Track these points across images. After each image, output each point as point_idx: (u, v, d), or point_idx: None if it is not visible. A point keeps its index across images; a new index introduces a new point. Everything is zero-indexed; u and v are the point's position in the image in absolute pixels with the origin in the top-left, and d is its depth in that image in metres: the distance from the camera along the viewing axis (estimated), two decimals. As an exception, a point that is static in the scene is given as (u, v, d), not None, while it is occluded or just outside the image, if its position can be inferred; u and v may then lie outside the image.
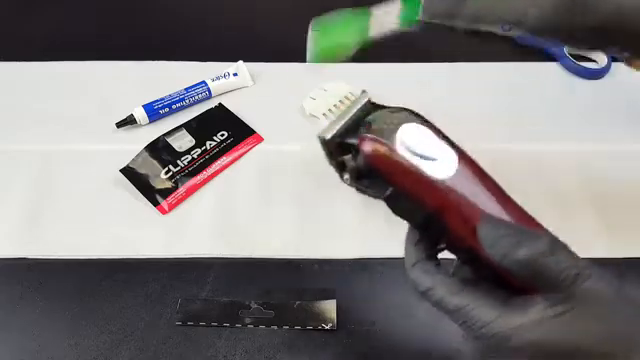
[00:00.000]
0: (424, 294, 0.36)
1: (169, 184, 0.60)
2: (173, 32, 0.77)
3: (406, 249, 0.39)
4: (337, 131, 0.39)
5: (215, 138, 0.64)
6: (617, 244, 0.56)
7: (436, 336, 0.51)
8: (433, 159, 0.36)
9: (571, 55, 0.72)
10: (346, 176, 0.39)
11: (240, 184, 0.61)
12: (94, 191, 0.60)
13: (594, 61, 0.73)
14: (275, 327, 0.51)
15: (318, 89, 0.68)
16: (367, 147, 0.37)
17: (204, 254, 0.56)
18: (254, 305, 0.52)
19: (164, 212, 0.59)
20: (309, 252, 0.56)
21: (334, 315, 0.52)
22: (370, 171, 0.38)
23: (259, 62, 0.72)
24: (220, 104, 0.67)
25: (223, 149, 0.63)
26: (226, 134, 0.65)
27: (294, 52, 0.73)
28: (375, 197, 0.39)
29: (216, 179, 0.62)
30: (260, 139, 0.65)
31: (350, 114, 0.39)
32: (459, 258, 0.39)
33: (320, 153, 0.65)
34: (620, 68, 0.72)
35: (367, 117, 0.39)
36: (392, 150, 0.36)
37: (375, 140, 0.37)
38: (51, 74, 0.71)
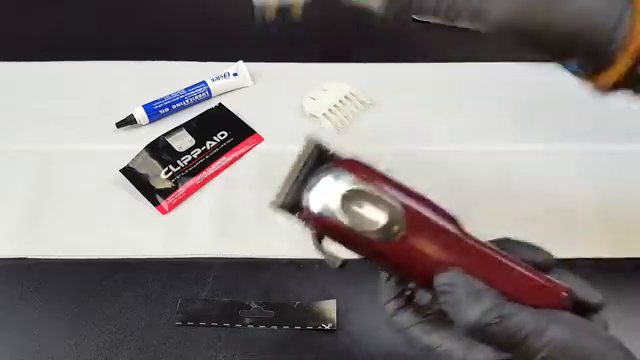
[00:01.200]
0: (399, 332, 0.38)
1: (169, 184, 0.60)
2: (173, 32, 0.77)
3: (379, 286, 0.39)
4: (286, 197, 0.38)
5: (215, 138, 0.64)
6: (617, 244, 0.56)
7: (436, 336, 0.51)
8: (378, 222, 0.36)
9: (571, 55, 0.72)
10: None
11: (240, 184, 0.61)
12: (94, 191, 0.60)
13: (594, 61, 0.73)
14: (275, 327, 0.51)
15: (318, 89, 0.68)
16: (312, 225, 0.37)
17: (204, 254, 0.56)
18: (254, 305, 0.52)
19: (164, 212, 0.59)
20: (309, 252, 0.56)
21: (334, 315, 0.52)
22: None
23: (259, 62, 0.72)
24: (220, 104, 0.67)
25: (223, 149, 0.63)
26: (226, 134, 0.65)
27: (294, 52, 0.73)
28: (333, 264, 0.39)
29: (216, 179, 0.62)
30: (260, 139, 0.65)
31: (297, 173, 0.38)
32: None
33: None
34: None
35: (309, 179, 0.38)
36: (336, 226, 0.36)
37: (317, 219, 0.36)
38: (51, 74, 0.71)
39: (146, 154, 0.62)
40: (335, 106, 0.66)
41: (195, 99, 0.67)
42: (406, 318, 0.38)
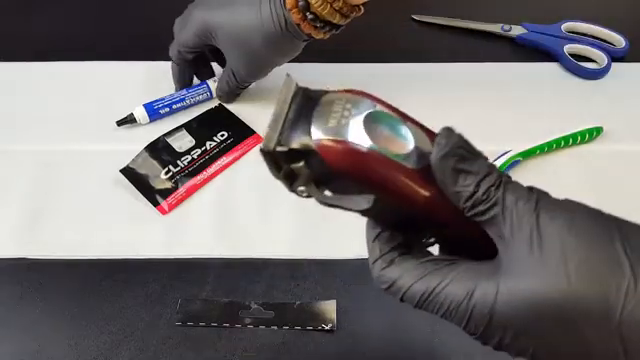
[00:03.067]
0: (390, 290, 0.33)
1: (169, 184, 0.60)
2: (173, 32, 0.77)
3: (368, 248, 0.35)
4: (281, 137, 0.31)
5: (215, 138, 0.64)
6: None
7: (436, 336, 0.51)
8: (408, 146, 0.31)
9: (571, 55, 0.72)
10: (301, 187, 0.33)
11: (240, 184, 0.61)
12: (94, 191, 0.60)
13: (594, 61, 0.73)
14: (275, 327, 0.51)
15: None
16: (333, 155, 0.30)
17: (204, 254, 0.56)
18: (254, 305, 0.52)
19: (164, 212, 0.59)
20: (309, 252, 0.56)
21: (334, 315, 0.52)
22: (336, 179, 0.31)
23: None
24: (220, 104, 0.67)
25: (223, 149, 0.63)
26: (226, 134, 0.65)
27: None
28: (348, 210, 0.32)
29: (216, 179, 0.62)
30: (260, 139, 0.65)
31: (286, 110, 0.32)
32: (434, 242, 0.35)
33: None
34: (620, 68, 0.72)
35: (313, 110, 0.31)
36: (363, 152, 0.30)
37: (339, 143, 0.30)
38: (51, 74, 0.71)
39: (146, 154, 0.62)
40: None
41: (196, 100, 0.67)
42: (398, 267, 0.33)
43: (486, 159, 0.32)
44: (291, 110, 0.32)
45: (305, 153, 0.31)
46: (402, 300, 0.32)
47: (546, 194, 0.32)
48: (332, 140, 0.30)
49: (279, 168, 0.33)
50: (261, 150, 0.32)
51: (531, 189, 0.32)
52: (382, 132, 0.31)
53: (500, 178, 0.31)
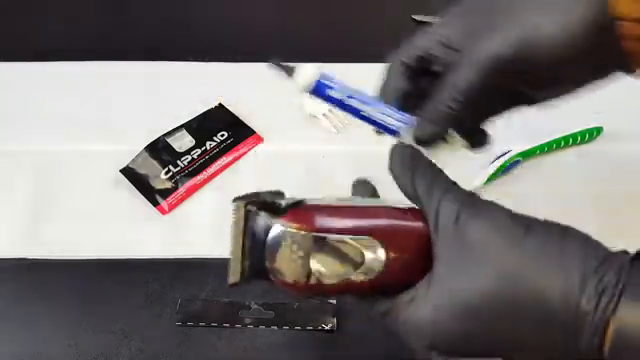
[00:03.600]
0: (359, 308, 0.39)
1: (169, 184, 0.60)
2: (173, 32, 0.76)
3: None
4: (243, 271, 0.36)
5: (215, 138, 0.64)
6: (618, 244, 0.56)
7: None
8: (360, 264, 0.35)
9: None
10: None
11: (240, 184, 0.61)
12: (94, 191, 0.60)
13: (594, 61, 0.73)
14: (275, 327, 0.51)
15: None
16: (289, 289, 0.35)
17: (204, 254, 0.56)
18: (254, 305, 0.52)
19: (164, 212, 0.59)
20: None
21: (334, 315, 0.52)
22: None
23: (259, 62, 0.72)
24: (220, 104, 0.67)
25: (223, 149, 0.63)
26: (226, 134, 0.65)
27: (294, 52, 0.73)
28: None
29: (216, 179, 0.62)
30: (260, 139, 0.65)
31: (241, 240, 0.37)
32: None
33: (319, 153, 0.65)
34: (620, 68, 0.72)
35: (266, 238, 0.35)
36: (318, 287, 0.34)
37: (293, 286, 0.35)
38: (51, 74, 0.71)
39: (146, 154, 0.62)
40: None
41: (385, 121, 0.44)
42: None
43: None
44: (246, 242, 0.36)
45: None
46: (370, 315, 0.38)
47: (475, 197, 0.35)
48: (285, 282, 0.35)
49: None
50: (229, 285, 0.36)
51: (470, 194, 0.35)
52: (326, 264, 0.34)
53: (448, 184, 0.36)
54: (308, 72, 0.42)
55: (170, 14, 0.80)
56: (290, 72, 0.43)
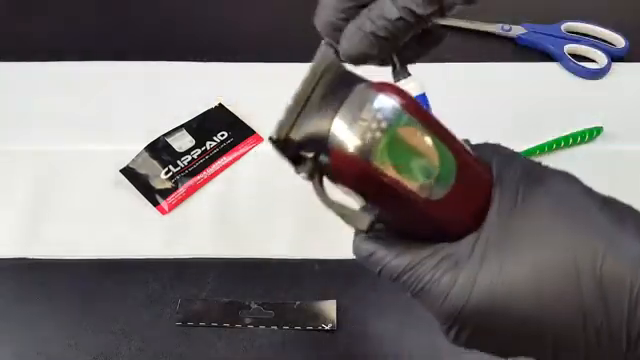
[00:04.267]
0: (369, 261, 0.32)
1: (169, 184, 0.60)
2: (173, 32, 0.77)
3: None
4: (296, 123, 0.30)
5: (215, 138, 0.64)
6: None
7: (436, 336, 0.51)
8: (429, 174, 0.29)
9: (571, 55, 0.72)
10: (303, 175, 0.31)
11: (240, 184, 0.61)
12: (94, 191, 0.60)
13: (594, 61, 0.73)
14: (275, 327, 0.51)
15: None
16: (346, 170, 0.29)
17: (204, 254, 0.56)
18: (254, 305, 0.52)
19: (164, 212, 0.59)
20: (309, 252, 0.56)
21: (334, 315, 0.52)
22: (342, 185, 0.30)
23: (259, 62, 0.72)
24: (220, 104, 0.67)
25: (223, 149, 0.63)
26: (226, 134, 0.65)
27: (294, 52, 0.73)
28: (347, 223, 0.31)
29: (216, 179, 0.62)
30: (260, 139, 0.65)
31: (310, 90, 0.30)
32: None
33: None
34: (620, 68, 0.72)
35: (340, 105, 0.29)
36: (378, 179, 0.29)
37: (357, 163, 0.28)
38: (51, 74, 0.71)
39: (146, 154, 0.62)
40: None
41: None
42: (376, 243, 0.33)
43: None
44: (315, 93, 0.29)
45: (317, 149, 0.29)
46: (379, 274, 0.32)
47: (542, 166, 0.33)
48: (350, 156, 0.28)
49: (286, 151, 0.31)
50: (270, 138, 0.30)
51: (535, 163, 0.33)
52: (405, 156, 0.29)
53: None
54: (413, 85, 0.38)
55: (170, 14, 0.80)
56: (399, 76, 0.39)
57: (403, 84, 0.35)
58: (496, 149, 0.33)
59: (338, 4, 0.33)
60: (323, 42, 0.31)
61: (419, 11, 0.32)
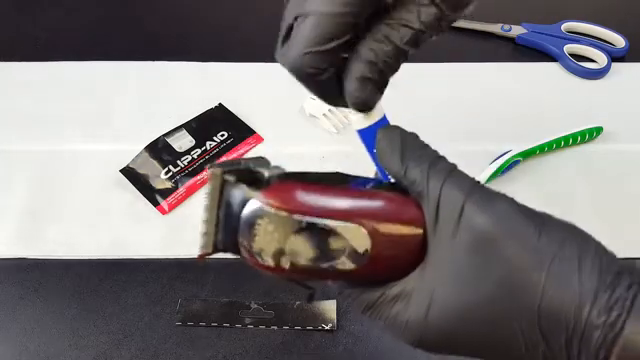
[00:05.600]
0: (338, 296, 0.36)
1: (169, 184, 0.60)
2: (173, 32, 0.77)
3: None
4: (213, 245, 0.34)
5: (215, 138, 0.64)
6: (617, 244, 0.56)
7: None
8: (342, 253, 0.31)
9: (571, 55, 0.72)
10: None
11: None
12: (94, 191, 0.60)
13: (594, 61, 0.73)
14: (275, 327, 0.51)
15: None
16: (265, 273, 0.32)
17: (204, 254, 0.56)
18: (254, 305, 0.52)
19: (164, 212, 0.59)
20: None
21: (334, 315, 0.52)
22: None
23: (259, 62, 0.72)
24: (220, 104, 0.67)
25: (223, 149, 0.63)
26: (226, 134, 0.65)
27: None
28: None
29: (216, 179, 0.62)
30: (260, 139, 0.65)
31: (215, 215, 0.33)
32: None
33: (319, 154, 0.65)
34: (620, 68, 0.72)
35: (242, 213, 0.32)
36: (293, 271, 0.31)
37: (266, 268, 0.32)
38: (51, 74, 0.71)
39: (146, 154, 0.62)
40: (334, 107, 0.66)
41: None
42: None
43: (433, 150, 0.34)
44: (220, 214, 0.33)
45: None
46: (351, 306, 0.35)
47: (481, 187, 0.31)
48: (260, 265, 0.32)
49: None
50: (199, 256, 0.34)
51: (474, 182, 0.32)
52: (310, 251, 0.31)
53: (450, 166, 0.32)
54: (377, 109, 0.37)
55: (170, 14, 0.80)
56: None
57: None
58: (435, 168, 0.32)
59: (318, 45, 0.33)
60: (208, 166, 0.33)
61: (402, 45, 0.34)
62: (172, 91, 0.69)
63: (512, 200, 0.31)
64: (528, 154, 0.62)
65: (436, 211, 0.31)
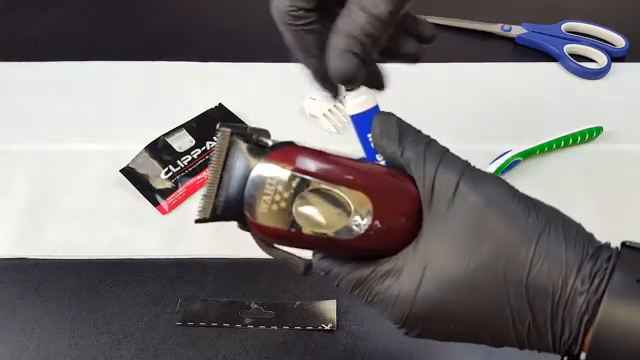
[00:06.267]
0: (327, 276, 0.35)
1: (169, 184, 0.60)
2: (173, 32, 0.77)
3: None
4: (215, 206, 0.33)
5: (215, 138, 0.64)
6: (618, 243, 0.56)
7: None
8: (340, 217, 0.32)
9: (571, 55, 0.72)
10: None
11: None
12: (94, 191, 0.60)
13: (594, 61, 0.73)
14: (275, 327, 0.51)
15: (318, 89, 0.68)
16: (265, 234, 0.33)
17: (204, 254, 0.56)
18: (254, 305, 0.52)
19: (164, 212, 0.59)
20: (309, 252, 0.56)
21: (334, 315, 0.52)
22: None
23: (259, 62, 0.72)
24: (220, 104, 0.67)
25: (223, 149, 0.63)
26: (226, 134, 0.65)
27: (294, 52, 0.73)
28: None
29: (216, 179, 0.62)
30: (260, 139, 0.65)
31: (219, 174, 0.33)
32: None
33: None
34: (620, 68, 0.72)
35: (245, 181, 0.32)
36: (296, 236, 0.32)
37: (263, 229, 0.32)
38: (51, 74, 0.71)
39: (146, 154, 0.62)
40: (335, 106, 0.66)
41: None
42: (331, 262, 0.35)
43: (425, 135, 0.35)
44: (226, 173, 0.33)
45: (240, 220, 0.33)
46: (337, 286, 0.35)
47: (473, 168, 0.33)
48: (262, 227, 0.32)
49: (216, 221, 0.34)
50: (196, 220, 0.34)
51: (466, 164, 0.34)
52: (312, 212, 0.32)
53: (443, 149, 0.34)
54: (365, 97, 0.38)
55: (170, 14, 0.80)
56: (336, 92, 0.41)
57: (354, 96, 0.37)
58: (430, 150, 0.34)
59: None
60: (218, 125, 0.34)
61: (377, 12, 0.34)
62: (172, 91, 0.69)
63: (503, 181, 0.33)
64: (528, 154, 0.62)
65: (431, 189, 0.32)
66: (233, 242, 0.57)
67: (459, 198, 0.32)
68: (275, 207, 0.32)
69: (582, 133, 0.63)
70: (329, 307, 0.52)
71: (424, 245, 0.32)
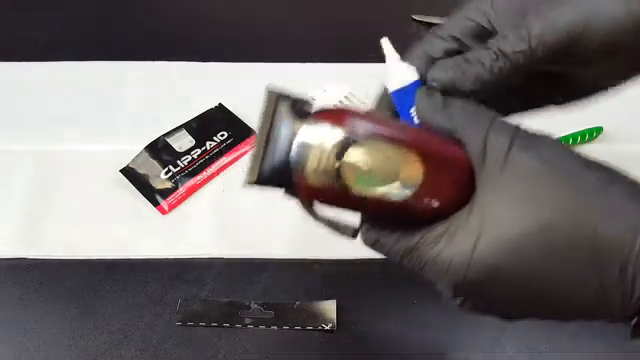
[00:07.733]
0: (374, 247, 0.35)
1: (169, 184, 0.60)
2: (173, 32, 0.77)
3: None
4: (261, 169, 0.33)
5: (215, 138, 0.64)
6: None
7: (436, 336, 0.51)
8: (386, 185, 0.31)
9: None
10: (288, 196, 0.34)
11: (240, 184, 0.61)
12: (94, 191, 0.60)
13: (594, 61, 0.73)
14: (275, 327, 0.51)
15: (318, 89, 0.68)
16: (313, 197, 0.32)
17: (204, 254, 0.56)
18: (254, 305, 0.52)
19: (164, 212, 0.59)
20: (309, 252, 0.56)
21: (334, 315, 0.52)
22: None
23: (259, 62, 0.72)
24: (220, 104, 0.67)
25: (223, 149, 0.63)
26: (226, 134, 0.65)
27: (294, 52, 0.73)
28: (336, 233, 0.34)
29: (216, 179, 0.62)
30: (260, 139, 0.65)
31: (265, 134, 0.33)
32: None
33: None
34: (620, 68, 0.72)
35: (292, 142, 0.32)
36: (345, 196, 0.31)
37: (317, 190, 0.31)
38: (51, 74, 0.71)
39: (146, 154, 0.62)
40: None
41: None
42: (378, 232, 0.34)
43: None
44: (272, 135, 0.33)
45: (288, 182, 0.32)
46: (387, 256, 0.34)
47: (525, 130, 0.32)
48: (312, 187, 0.31)
49: (264, 186, 0.34)
50: (245, 184, 0.33)
51: (516, 127, 0.33)
52: (364, 171, 0.31)
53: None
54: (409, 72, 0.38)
55: (170, 14, 0.80)
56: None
57: (398, 71, 0.37)
58: (480, 114, 0.33)
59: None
60: (266, 87, 0.34)
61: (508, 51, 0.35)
62: (172, 91, 0.69)
63: (557, 141, 0.32)
64: (528, 154, 0.62)
65: (483, 151, 0.31)
66: (233, 242, 0.57)
67: (513, 159, 0.31)
68: (323, 165, 0.31)
69: (582, 133, 0.63)
70: (329, 307, 0.52)
71: (478, 207, 0.31)
